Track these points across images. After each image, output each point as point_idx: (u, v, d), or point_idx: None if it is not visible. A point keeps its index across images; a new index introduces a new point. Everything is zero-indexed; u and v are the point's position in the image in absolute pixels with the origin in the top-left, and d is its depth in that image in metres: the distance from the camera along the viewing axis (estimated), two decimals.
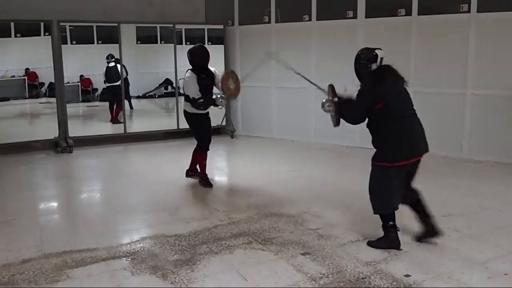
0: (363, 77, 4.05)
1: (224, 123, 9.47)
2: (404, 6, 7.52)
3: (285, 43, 8.52)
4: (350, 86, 4.30)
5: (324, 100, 4.32)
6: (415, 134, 4.00)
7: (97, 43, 10.09)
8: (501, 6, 6.93)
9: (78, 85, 10.33)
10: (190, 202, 5.46)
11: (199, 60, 5.72)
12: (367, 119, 4.08)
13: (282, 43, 8.49)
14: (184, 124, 9.06)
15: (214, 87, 5.88)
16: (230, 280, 3.57)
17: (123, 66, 8.92)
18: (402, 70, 4.08)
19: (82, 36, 9.73)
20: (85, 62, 10.17)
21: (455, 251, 4.06)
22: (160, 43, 10.73)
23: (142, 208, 5.27)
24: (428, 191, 4.39)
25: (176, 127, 9.16)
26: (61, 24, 8.32)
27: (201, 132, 6.00)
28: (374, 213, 4.10)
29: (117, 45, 8.69)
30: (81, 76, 10.21)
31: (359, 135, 8.12)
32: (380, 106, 3.89)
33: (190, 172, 6.29)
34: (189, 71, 5.75)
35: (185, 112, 5.94)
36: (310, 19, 8.43)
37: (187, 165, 6.71)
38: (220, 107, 5.77)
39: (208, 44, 10.85)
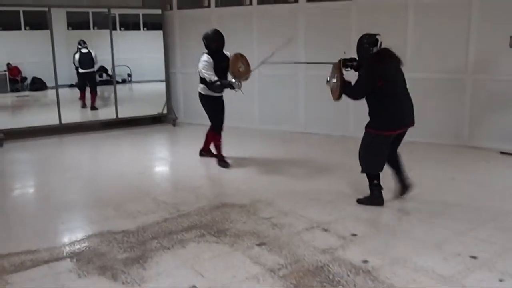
0: (366, 59, 4.56)
1: (165, 111, 9.18)
2: None
3: (226, 28, 8.27)
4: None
5: (329, 76, 4.81)
6: (405, 109, 4.59)
7: (25, 29, 9.51)
8: None
9: (5, 74, 9.70)
10: (135, 195, 5.18)
11: (215, 44, 5.92)
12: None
13: (223, 28, 8.23)
14: (123, 113, 8.88)
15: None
16: (186, 276, 3.39)
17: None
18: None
19: (7, 22, 9.12)
20: (12, 50, 9.54)
21: (408, 234, 4.10)
22: (93, 29, 10.25)
23: (84, 204, 4.98)
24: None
25: (114, 116, 8.78)
26: None
27: (216, 114, 6.16)
28: (362, 172, 4.69)
29: (46, 31, 8.17)
30: (8, 64, 9.58)
31: (304, 120, 8.15)
32: (381, 84, 4.42)
33: (204, 152, 6.55)
34: (205, 54, 5.93)
35: (200, 94, 6.12)
36: (251, 3, 8.29)
37: (129, 156, 6.47)
38: (236, 89, 5.89)
39: (143, 29, 10.54)
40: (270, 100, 8.39)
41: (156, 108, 9.22)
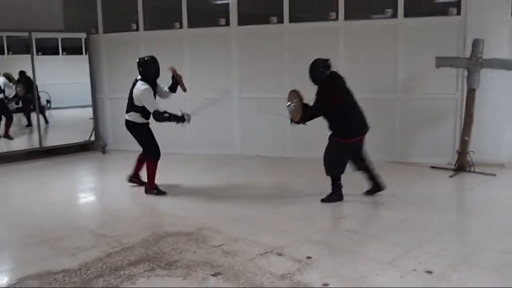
0: (320, 81, 5.23)
1: (93, 138, 8.74)
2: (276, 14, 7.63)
3: (155, 52, 8.05)
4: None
5: (289, 103, 5.41)
6: (360, 119, 5.33)
7: None
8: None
9: None
10: (71, 230, 4.79)
11: (153, 72, 5.71)
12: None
13: (152, 52, 7.99)
14: (48, 142, 8.35)
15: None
16: None
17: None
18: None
19: None
20: None
21: (362, 254, 4.08)
22: (8, 54, 9.63)
23: (14, 243, 4.52)
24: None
25: (38, 146, 8.24)
26: None
27: (153, 142, 5.87)
28: (327, 175, 5.36)
29: None
30: None
31: (239, 143, 8.06)
32: (337, 101, 5.14)
33: (134, 179, 6.17)
34: (142, 82, 5.64)
35: (131, 123, 5.79)
36: (181, 26, 8.15)
37: (59, 187, 6.05)
38: (185, 124, 5.70)
39: (62, 54, 10.03)
40: (204, 124, 8.23)
41: (82, 135, 8.78)
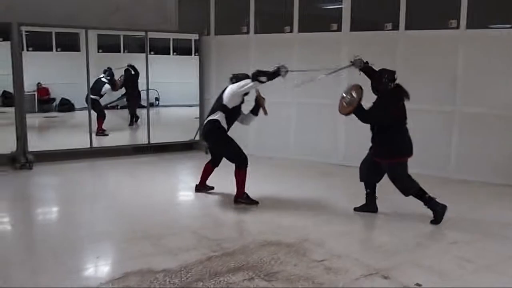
0: (383, 92, 5.04)
1: (197, 138, 8.92)
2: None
3: (265, 55, 8.08)
4: None
5: (346, 95, 5.15)
6: (410, 139, 5.12)
7: (56, 50, 9.40)
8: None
9: (34, 94, 9.56)
10: (174, 229, 4.86)
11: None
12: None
13: (262, 55, 8.05)
14: (156, 139, 8.64)
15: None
16: None
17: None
18: None
19: (39, 43, 9.02)
20: (42, 71, 9.42)
21: (476, 285, 3.70)
22: (124, 52, 10.13)
23: (119, 237, 4.64)
24: None
25: (146, 142, 8.56)
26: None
27: (237, 146, 5.66)
28: (407, 195, 5.13)
29: (77, 53, 8.03)
30: (38, 84, 9.45)
31: (343, 152, 7.79)
32: (398, 114, 5.01)
33: (200, 187, 6.14)
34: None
35: (217, 126, 5.56)
36: (291, 31, 8.07)
37: (163, 184, 6.18)
38: (284, 76, 5.39)
39: (173, 54, 10.36)
40: (308, 130, 8.08)
41: (187, 134, 9.00)
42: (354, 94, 5.07)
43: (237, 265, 3.95)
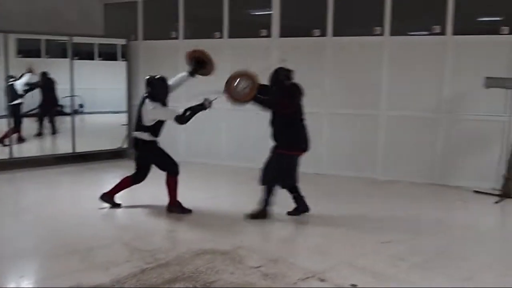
0: (278, 87, 5.21)
1: (125, 145, 8.66)
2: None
3: None
4: None
5: (239, 83, 5.06)
6: (306, 134, 5.26)
7: None
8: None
9: None
10: (103, 241, 4.64)
11: (163, 96, 5.40)
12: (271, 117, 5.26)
13: None
14: (81, 147, 8.29)
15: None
16: None
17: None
18: None
19: None
20: None
21: (409, 283, 3.81)
22: (45, 57, 9.67)
23: (44, 253, 4.38)
24: None
25: (71, 151, 8.21)
26: None
27: (167, 156, 5.57)
28: (283, 187, 5.40)
29: None
30: None
31: None
32: (292, 111, 5.15)
33: (108, 195, 5.71)
34: (150, 101, 5.32)
35: (142, 142, 5.45)
36: (221, 36, 8.04)
37: (90, 195, 5.91)
38: (207, 110, 5.34)
39: (99, 59, 10.01)
40: (239, 136, 8.07)
41: (114, 141, 8.72)
42: (248, 81, 5.05)
43: (173, 276, 3.83)
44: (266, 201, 5.30)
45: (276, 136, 5.25)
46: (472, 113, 6.84)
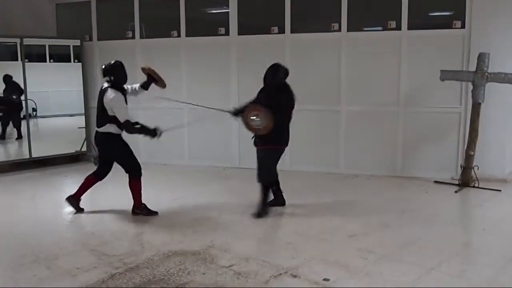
0: (275, 85, 5.31)
1: (84, 149, 8.43)
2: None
3: (151, 60, 7.83)
4: None
5: (252, 117, 5.19)
6: (287, 131, 5.44)
7: None
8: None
9: None
10: (68, 247, 4.51)
11: (123, 78, 5.31)
12: None
13: (148, 60, 7.79)
14: (38, 152, 8.00)
15: None
16: None
17: None
18: None
19: None
20: None
21: (380, 276, 3.88)
22: None
23: (7, 263, 4.20)
24: None
25: (28, 156, 7.94)
26: None
27: (133, 156, 5.44)
28: (258, 182, 5.38)
29: None
30: None
31: (237, 155, 7.83)
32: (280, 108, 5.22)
33: (73, 199, 5.58)
34: (112, 89, 5.16)
35: (107, 134, 5.28)
36: (179, 35, 7.94)
37: (51, 201, 5.73)
38: (155, 139, 5.32)
39: (50, 61, 9.71)
40: (201, 135, 8.00)
41: (71, 145, 8.49)
42: (255, 112, 5.18)
43: (144, 280, 3.76)
44: (266, 197, 5.40)
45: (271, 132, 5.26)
46: (429, 105, 7.03)
